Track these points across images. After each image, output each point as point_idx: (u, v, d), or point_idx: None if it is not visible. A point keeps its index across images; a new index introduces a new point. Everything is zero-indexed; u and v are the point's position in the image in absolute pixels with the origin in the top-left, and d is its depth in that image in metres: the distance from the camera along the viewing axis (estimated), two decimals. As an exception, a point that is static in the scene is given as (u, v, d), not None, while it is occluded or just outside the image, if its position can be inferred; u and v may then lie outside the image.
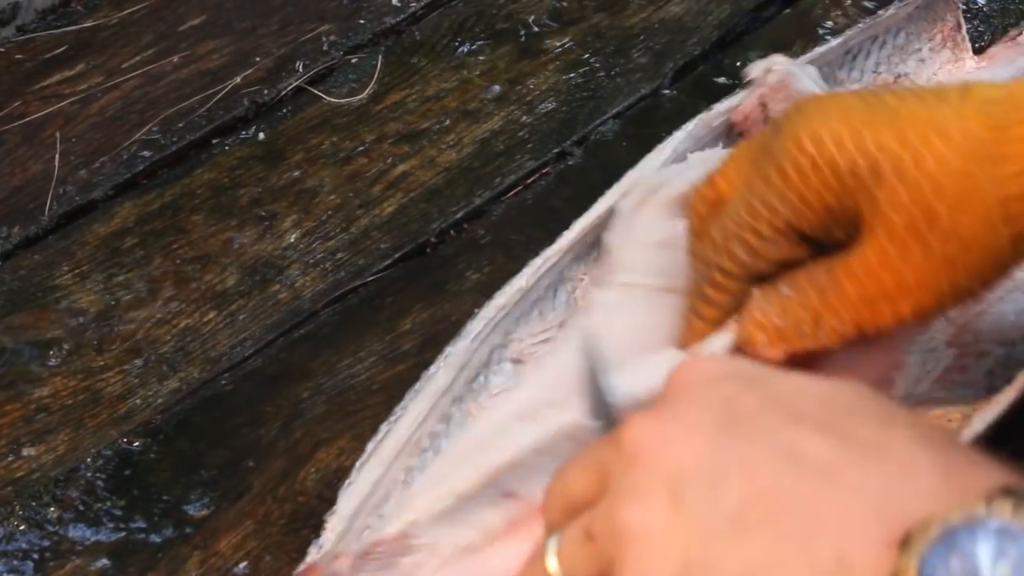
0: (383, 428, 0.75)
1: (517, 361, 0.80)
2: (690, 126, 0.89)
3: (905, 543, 0.39)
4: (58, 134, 1.00)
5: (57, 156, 0.99)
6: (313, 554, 0.72)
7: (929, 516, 0.40)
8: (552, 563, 0.50)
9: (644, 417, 0.48)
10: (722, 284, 0.71)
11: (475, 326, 0.79)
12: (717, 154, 0.82)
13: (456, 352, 0.78)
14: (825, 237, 0.69)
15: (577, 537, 0.49)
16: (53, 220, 0.95)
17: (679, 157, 0.86)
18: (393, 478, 0.73)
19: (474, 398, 0.78)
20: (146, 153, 0.99)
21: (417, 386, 0.76)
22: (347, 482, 0.73)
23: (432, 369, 0.77)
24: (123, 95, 1.03)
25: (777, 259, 0.70)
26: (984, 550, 0.38)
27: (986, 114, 0.65)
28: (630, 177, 0.85)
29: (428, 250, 0.93)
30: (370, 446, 0.74)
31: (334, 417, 0.83)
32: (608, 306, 0.75)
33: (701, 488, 0.45)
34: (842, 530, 0.41)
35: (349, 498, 0.72)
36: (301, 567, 0.71)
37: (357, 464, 0.73)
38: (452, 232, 0.94)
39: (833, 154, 0.66)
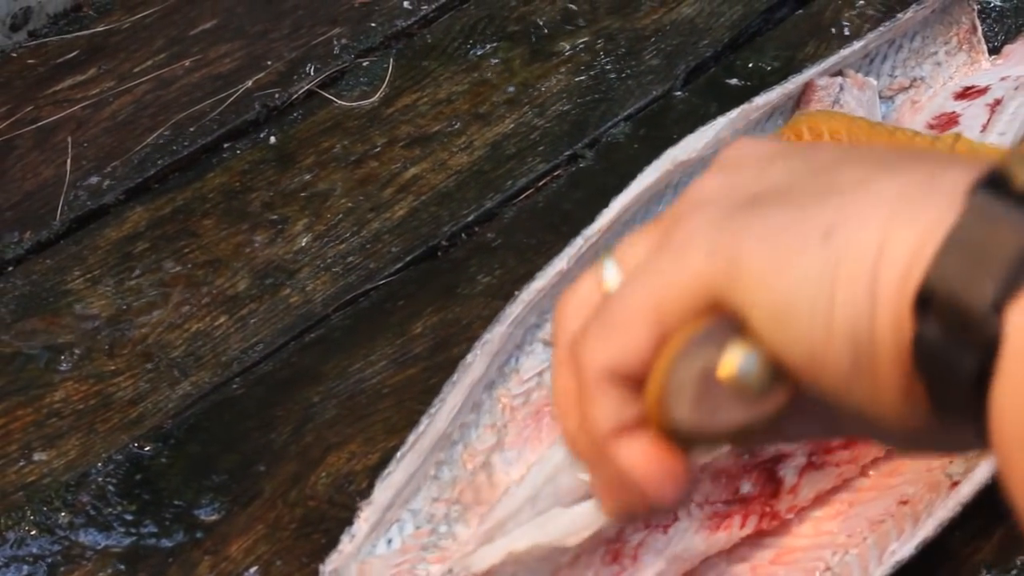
0: (424, 421, 0.74)
1: (548, 343, 0.79)
2: (733, 114, 0.89)
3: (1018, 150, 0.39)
4: (70, 139, 1.01)
5: (69, 161, 0.99)
6: (345, 542, 0.71)
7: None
8: (610, 270, 0.46)
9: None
10: None
11: (513, 310, 0.78)
12: None
13: (492, 338, 0.77)
14: None
15: (644, 234, 0.46)
16: (65, 225, 0.95)
17: (720, 143, 0.86)
18: (425, 472, 0.73)
19: (504, 383, 0.77)
20: (158, 157, 0.99)
21: (455, 377, 0.76)
22: (386, 471, 0.73)
23: (469, 358, 0.76)
24: (135, 99, 1.04)
25: None
26: None
27: (973, 152, 0.67)
28: (671, 154, 0.85)
29: (439, 253, 0.93)
30: (411, 437, 0.74)
31: (345, 421, 0.83)
32: None
33: (790, 158, 0.44)
34: (942, 164, 0.40)
35: (385, 489, 0.72)
36: (331, 560, 0.71)
37: (397, 455, 0.73)
38: (463, 235, 0.94)
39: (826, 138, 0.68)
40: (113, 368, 0.86)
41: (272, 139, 1.01)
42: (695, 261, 0.42)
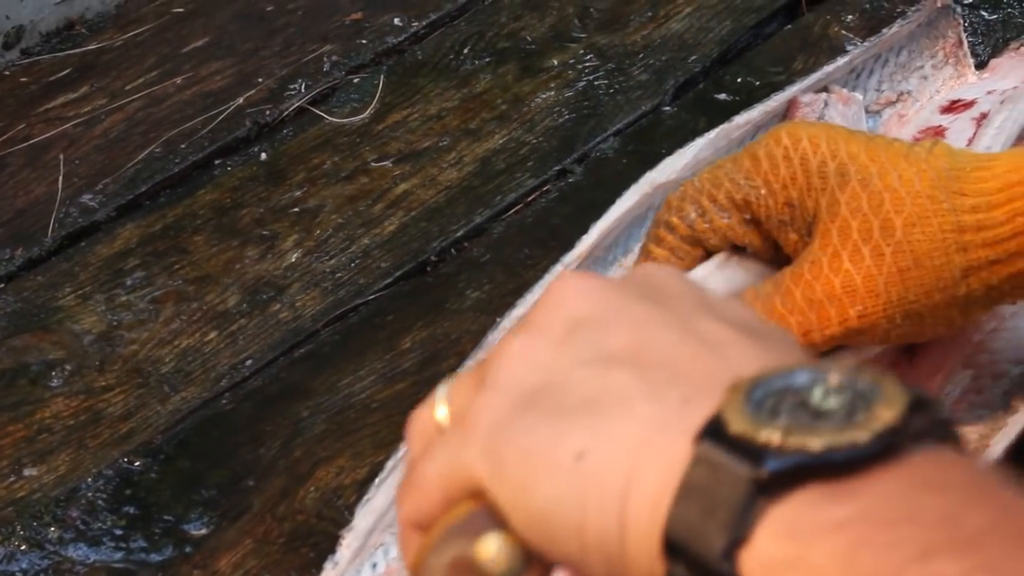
0: (403, 447, 0.75)
1: None
2: (712, 134, 0.90)
3: (737, 385, 0.41)
4: (62, 156, 1.01)
5: (60, 178, 0.99)
6: (328, 570, 0.72)
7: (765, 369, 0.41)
8: (440, 407, 0.50)
9: (573, 273, 0.50)
10: (664, 239, 0.74)
11: (495, 337, 0.79)
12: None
13: (473, 366, 0.77)
14: (776, 232, 0.73)
15: (468, 375, 0.50)
16: (56, 242, 0.96)
17: (699, 164, 0.87)
18: None
19: None
20: (149, 174, 1.00)
21: None
22: (365, 498, 0.73)
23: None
24: (126, 117, 1.04)
25: (723, 230, 0.73)
26: (803, 377, 0.40)
27: (950, 155, 0.70)
28: (649, 177, 0.86)
29: (428, 268, 0.94)
30: (389, 463, 0.74)
31: (333, 436, 0.83)
32: None
33: (591, 331, 0.46)
34: (698, 383, 0.42)
35: (366, 515, 0.72)
36: None
37: (376, 481, 0.74)
38: (452, 251, 0.95)
39: (807, 151, 0.71)
40: (103, 384, 0.87)
41: (263, 155, 1.01)
42: (469, 454, 0.46)
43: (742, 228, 0.74)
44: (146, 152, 1.01)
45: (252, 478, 0.82)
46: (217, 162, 1.01)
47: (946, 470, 0.38)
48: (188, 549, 0.78)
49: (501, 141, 1.02)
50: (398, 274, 0.93)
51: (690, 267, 0.76)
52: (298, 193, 0.98)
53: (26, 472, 0.82)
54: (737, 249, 0.76)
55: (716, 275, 0.76)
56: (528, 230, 0.95)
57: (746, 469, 0.38)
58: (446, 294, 0.92)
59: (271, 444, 0.83)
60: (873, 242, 0.68)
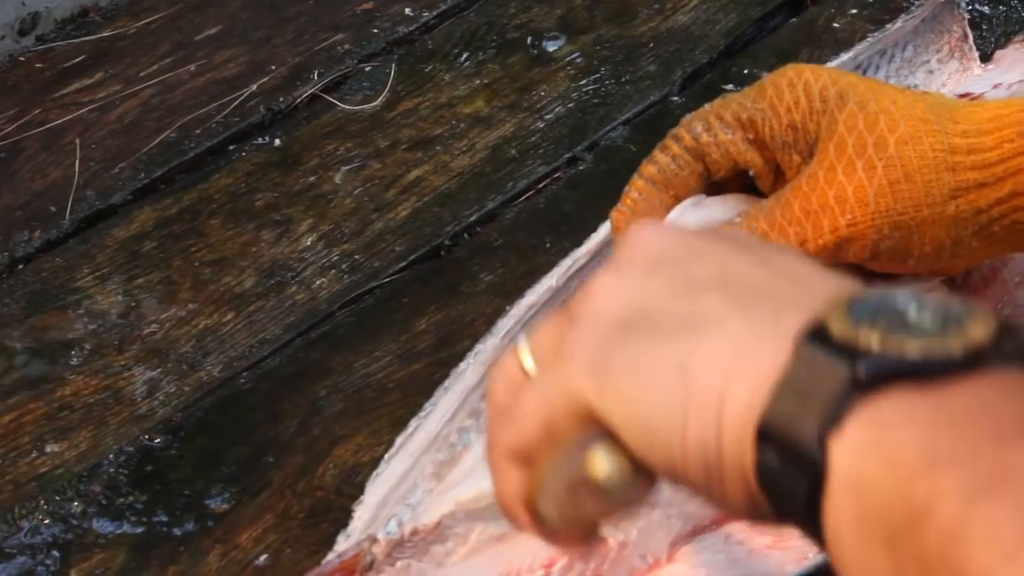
0: (413, 423, 0.76)
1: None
2: None
3: (839, 297, 0.44)
4: (78, 141, 1.02)
5: (77, 162, 1.00)
6: (341, 542, 0.73)
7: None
8: (524, 352, 0.53)
9: (651, 222, 0.54)
10: (669, 147, 0.78)
11: (505, 324, 0.81)
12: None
13: (486, 349, 0.79)
14: (779, 154, 0.76)
15: (552, 320, 0.52)
16: (73, 224, 0.97)
17: None
18: (420, 471, 0.74)
19: None
20: (164, 159, 1.01)
21: (447, 383, 0.78)
22: (375, 473, 0.74)
23: (462, 366, 0.79)
24: (141, 103, 1.05)
25: (726, 145, 0.77)
26: (902, 297, 0.43)
27: (943, 97, 0.75)
28: None
29: (442, 253, 0.95)
30: (399, 440, 0.76)
31: (351, 414, 0.85)
32: None
33: (675, 265, 0.49)
34: (787, 302, 0.46)
35: (376, 488, 0.73)
36: (335, 554, 0.73)
37: (386, 456, 0.75)
38: (465, 235, 0.96)
39: (810, 80, 0.75)
40: (123, 363, 0.88)
41: (276, 142, 1.02)
42: (574, 379, 0.49)
43: (744, 146, 0.77)
44: (161, 137, 1.02)
45: (271, 455, 0.83)
46: (231, 148, 1.02)
47: None
48: (210, 524, 0.80)
49: (512, 129, 1.03)
50: (412, 258, 0.94)
51: (687, 180, 0.78)
52: (312, 179, 1.00)
53: (48, 449, 0.83)
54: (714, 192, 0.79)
55: (691, 212, 0.78)
56: (540, 216, 0.97)
57: (845, 369, 0.42)
58: (460, 278, 0.93)
59: (290, 422, 0.85)
60: (866, 157, 0.71)
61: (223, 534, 0.79)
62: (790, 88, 0.76)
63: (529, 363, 0.52)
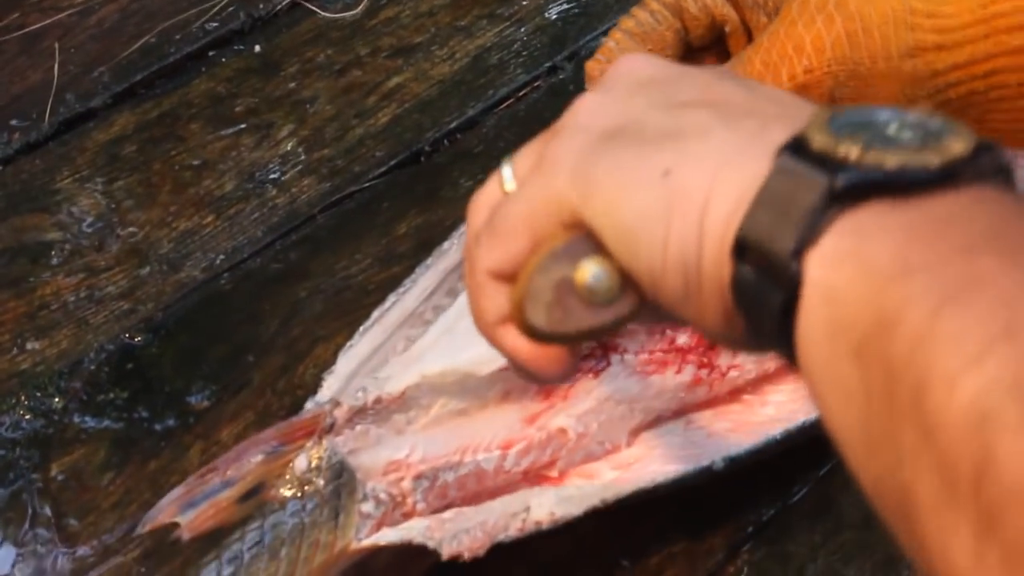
0: (391, 298, 0.77)
1: None
2: None
3: (820, 111, 0.45)
4: (57, 45, 1.02)
5: (56, 66, 1.00)
6: (309, 408, 0.74)
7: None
8: (507, 173, 0.54)
9: (639, 52, 0.53)
10: (649, 3, 0.79)
11: None
12: None
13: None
14: (748, 13, 0.78)
15: (534, 144, 0.53)
16: (53, 127, 0.97)
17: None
18: (393, 346, 0.75)
19: None
20: (144, 63, 1.01)
21: (428, 261, 0.78)
22: (348, 344, 0.75)
23: (445, 245, 0.79)
24: (120, 8, 1.05)
25: (706, 1, 0.79)
26: (883, 113, 0.44)
27: None
28: None
29: (422, 159, 0.95)
30: (376, 313, 0.76)
31: (331, 315, 0.85)
32: None
33: (661, 87, 0.49)
34: (771, 118, 0.46)
35: (348, 360, 0.74)
36: (302, 415, 0.73)
37: (361, 328, 0.75)
38: (445, 142, 0.96)
39: None
40: (103, 264, 0.88)
41: (257, 48, 1.02)
42: (559, 184, 0.48)
43: (722, 1, 0.78)
44: (141, 42, 1.02)
45: (252, 354, 0.83)
46: (211, 53, 1.02)
47: (1000, 199, 0.42)
48: (191, 420, 0.80)
49: (493, 38, 1.03)
50: (392, 163, 0.95)
51: (664, 35, 0.79)
52: (292, 85, 1.00)
53: (28, 346, 0.84)
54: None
55: None
56: (520, 123, 0.97)
57: (823, 179, 0.42)
58: (440, 183, 0.93)
59: (270, 322, 0.85)
60: (827, 12, 0.73)
61: (204, 430, 0.80)
62: None
63: (511, 184, 0.53)
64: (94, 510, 0.76)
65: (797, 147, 0.43)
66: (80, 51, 1.02)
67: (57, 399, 0.81)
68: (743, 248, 0.44)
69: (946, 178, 0.42)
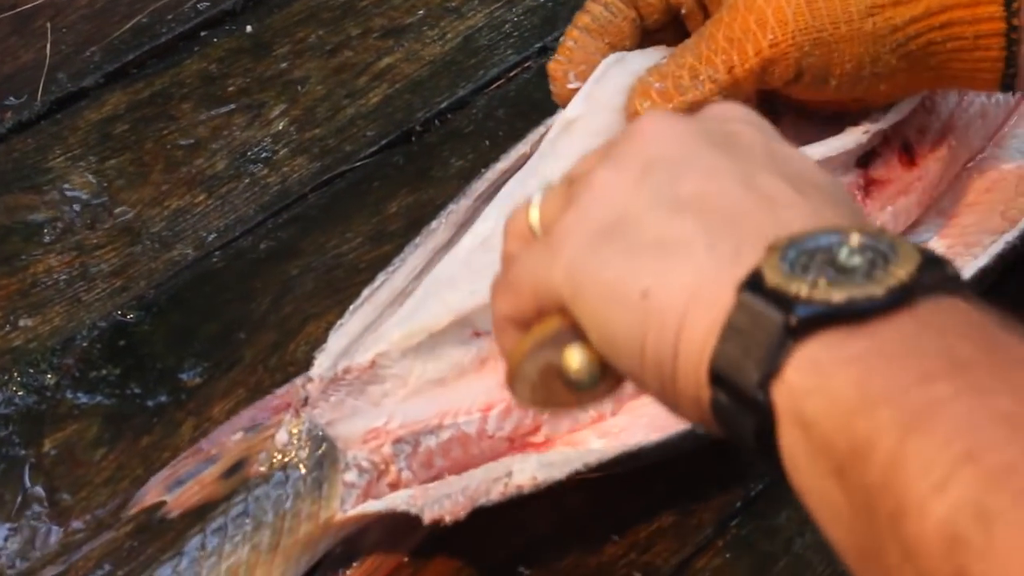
0: (380, 277, 0.77)
1: None
2: None
3: (774, 245, 0.47)
4: (49, 25, 1.02)
5: (48, 45, 1.00)
6: (299, 384, 0.74)
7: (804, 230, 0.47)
8: (534, 213, 0.57)
9: (657, 113, 0.55)
10: None
11: (479, 186, 0.81)
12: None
13: (458, 209, 0.80)
14: None
15: (559, 190, 0.56)
16: (45, 106, 0.97)
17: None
18: (382, 323, 0.75)
19: None
20: (136, 43, 1.01)
21: (417, 240, 0.79)
22: (339, 322, 0.75)
23: (434, 224, 0.79)
24: (112, -12, 1.05)
25: None
26: (831, 239, 0.46)
27: None
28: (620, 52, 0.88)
29: (413, 139, 0.96)
30: (365, 292, 0.76)
31: (323, 293, 0.86)
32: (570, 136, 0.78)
33: (666, 173, 0.52)
34: (751, 237, 0.48)
35: (339, 338, 0.74)
36: (276, 391, 0.74)
37: (351, 308, 0.76)
38: (436, 122, 0.97)
39: None
40: (95, 242, 0.89)
41: (248, 28, 1.03)
42: (555, 276, 0.52)
43: None
44: (133, 22, 1.02)
45: (243, 332, 0.84)
46: (203, 34, 1.02)
47: (950, 315, 0.44)
48: (183, 397, 0.80)
49: (483, 19, 1.03)
50: (383, 143, 0.95)
51: (621, 27, 0.80)
52: (284, 65, 1.00)
53: (21, 323, 0.84)
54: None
55: (615, 69, 0.79)
56: (510, 103, 0.98)
57: (779, 316, 0.45)
58: (431, 162, 0.94)
59: (262, 300, 0.85)
60: None
61: (196, 407, 0.80)
62: None
63: (536, 220, 0.56)
64: (86, 485, 0.77)
65: (754, 284, 0.46)
66: (72, 31, 1.02)
67: (50, 375, 0.81)
68: (717, 377, 0.47)
69: (894, 302, 0.44)
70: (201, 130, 0.95)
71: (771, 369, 0.44)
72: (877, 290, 0.44)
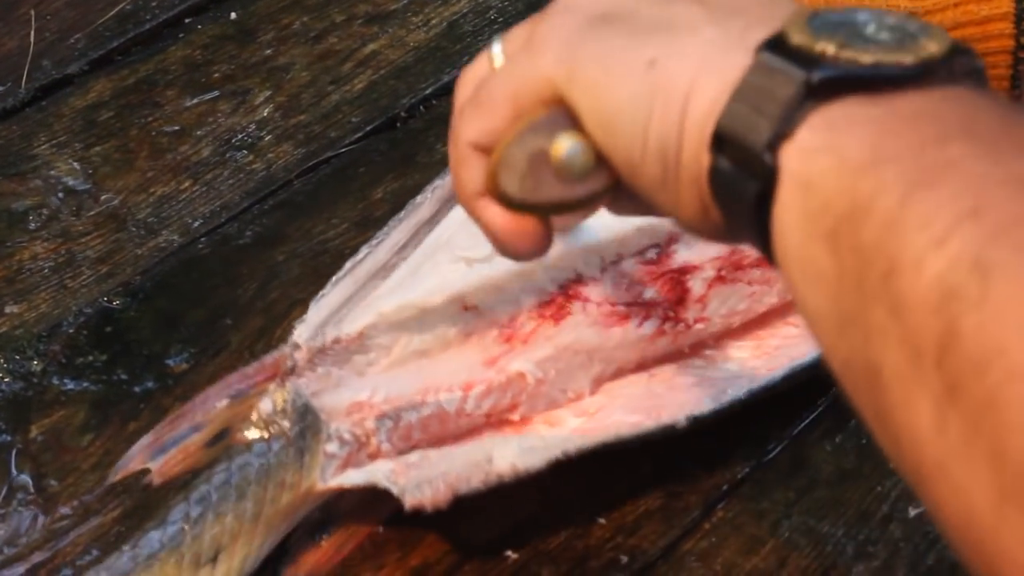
0: (363, 250, 0.77)
1: None
2: None
3: (800, 10, 0.46)
4: (33, 12, 1.02)
5: (32, 33, 1.00)
6: (282, 352, 0.74)
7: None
8: (496, 49, 0.55)
9: None
10: None
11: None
12: None
13: (444, 184, 0.80)
14: None
15: (523, 25, 0.54)
16: (30, 93, 0.97)
17: None
18: (363, 296, 0.75)
19: None
20: (120, 30, 1.01)
21: (401, 214, 0.79)
22: (320, 293, 0.75)
23: (419, 199, 0.79)
24: (96, -25, 1.05)
25: None
26: (863, 15, 0.45)
27: None
28: None
29: (398, 124, 0.96)
30: (348, 264, 0.76)
31: (309, 279, 0.86)
32: None
33: None
34: (758, 18, 0.47)
35: (319, 309, 0.74)
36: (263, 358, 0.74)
37: (333, 279, 0.76)
38: (421, 108, 0.97)
39: None
40: (81, 228, 0.89)
41: (232, 15, 1.03)
42: (545, 62, 0.50)
43: None
44: (117, 9, 1.02)
45: (230, 317, 0.84)
46: (188, 20, 1.02)
47: (973, 96, 0.43)
48: (169, 382, 0.81)
49: (467, 5, 1.04)
50: (368, 129, 0.95)
51: None
52: (268, 51, 1.00)
53: (7, 310, 0.84)
54: None
55: None
56: (496, 89, 0.98)
57: (800, 74, 0.43)
58: (416, 148, 0.94)
59: (248, 286, 0.85)
60: None
61: (183, 392, 0.80)
62: None
63: (500, 60, 0.54)
64: (74, 471, 0.77)
65: (776, 44, 0.45)
66: (56, 18, 1.02)
67: (36, 362, 0.81)
68: (721, 140, 0.45)
69: (919, 76, 0.43)
70: (186, 117, 0.95)
71: (784, 129, 0.43)
72: (907, 58, 0.43)
